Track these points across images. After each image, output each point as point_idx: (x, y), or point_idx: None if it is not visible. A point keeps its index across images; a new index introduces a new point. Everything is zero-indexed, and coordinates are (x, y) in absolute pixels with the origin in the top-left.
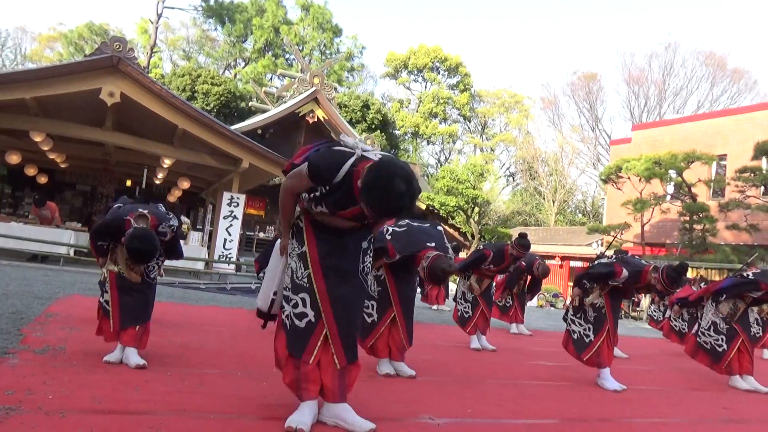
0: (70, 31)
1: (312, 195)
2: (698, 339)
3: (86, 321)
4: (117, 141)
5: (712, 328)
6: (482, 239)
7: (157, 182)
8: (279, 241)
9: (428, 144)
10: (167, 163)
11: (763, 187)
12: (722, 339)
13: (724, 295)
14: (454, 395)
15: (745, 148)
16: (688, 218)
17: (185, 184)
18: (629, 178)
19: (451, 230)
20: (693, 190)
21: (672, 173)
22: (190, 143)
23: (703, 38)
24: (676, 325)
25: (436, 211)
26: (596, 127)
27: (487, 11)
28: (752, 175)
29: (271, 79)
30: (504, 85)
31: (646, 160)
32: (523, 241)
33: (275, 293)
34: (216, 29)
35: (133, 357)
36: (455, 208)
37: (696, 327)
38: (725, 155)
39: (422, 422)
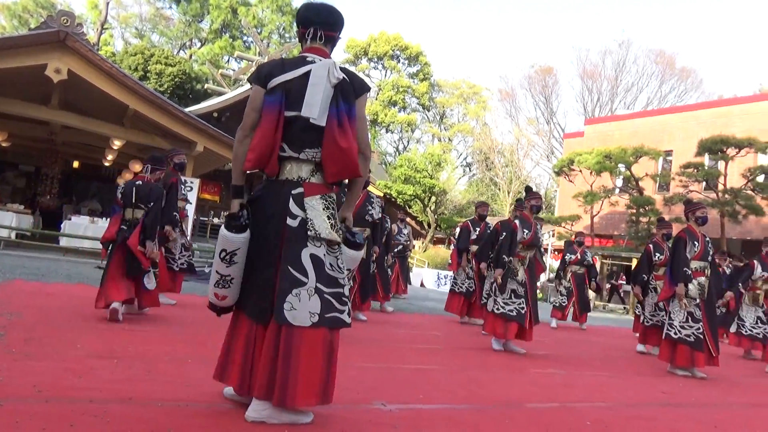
0: (13, 2)
1: None
2: (676, 336)
3: (28, 307)
4: (63, 120)
5: (689, 318)
6: (438, 228)
7: (107, 164)
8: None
9: (387, 132)
10: (117, 144)
11: (704, 183)
12: (701, 326)
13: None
14: (406, 382)
15: (690, 145)
16: (635, 211)
17: (137, 167)
18: (581, 171)
19: (408, 219)
20: (640, 183)
21: (621, 167)
22: (141, 124)
23: (655, 37)
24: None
25: (393, 199)
26: (551, 120)
27: (448, 1)
28: (695, 170)
29: (228, 61)
30: (463, 76)
31: (597, 154)
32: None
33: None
34: (171, 7)
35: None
36: (412, 197)
37: (667, 328)
38: (671, 151)
39: (374, 408)
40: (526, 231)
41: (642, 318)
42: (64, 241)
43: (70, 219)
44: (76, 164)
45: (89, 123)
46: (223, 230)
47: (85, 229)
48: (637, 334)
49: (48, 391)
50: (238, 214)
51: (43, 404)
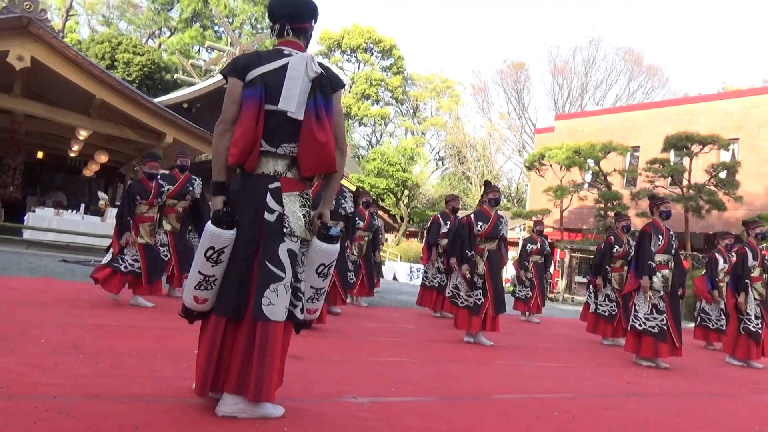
0: None
1: None
2: (641, 327)
3: None
4: (26, 109)
5: (653, 310)
6: (411, 222)
7: (73, 155)
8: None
9: (360, 125)
10: (83, 134)
11: (670, 178)
12: (665, 317)
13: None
14: (378, 375)
15: (656, 141)
16: (603, 205)
17: (103, 158)
18: (551, 165)
19: (380, 212)
20: (608, 179)
21: (590, 162)
22: (108, 114)
23: (624, 35)
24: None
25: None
26: (522, 115)
27: None
28: (661, 166)
29: (198, 51)
30: (436, 70)
31: (567, 149)
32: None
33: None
34: None
35: (143, 300)
36: (385, 191)
37: (632, 320)
38: (638, 147)
39: (345, 401)
40: (481, 224)
41: (592, 307)
42: (27, 234)
43: (34, 211)
44: (40, 155)
45: (54, 112)
46: (212, 227)
47: (49, 221)
48: (585, 323)
49: (10, 388)
50: (225, 211)
51: (5, 401)
